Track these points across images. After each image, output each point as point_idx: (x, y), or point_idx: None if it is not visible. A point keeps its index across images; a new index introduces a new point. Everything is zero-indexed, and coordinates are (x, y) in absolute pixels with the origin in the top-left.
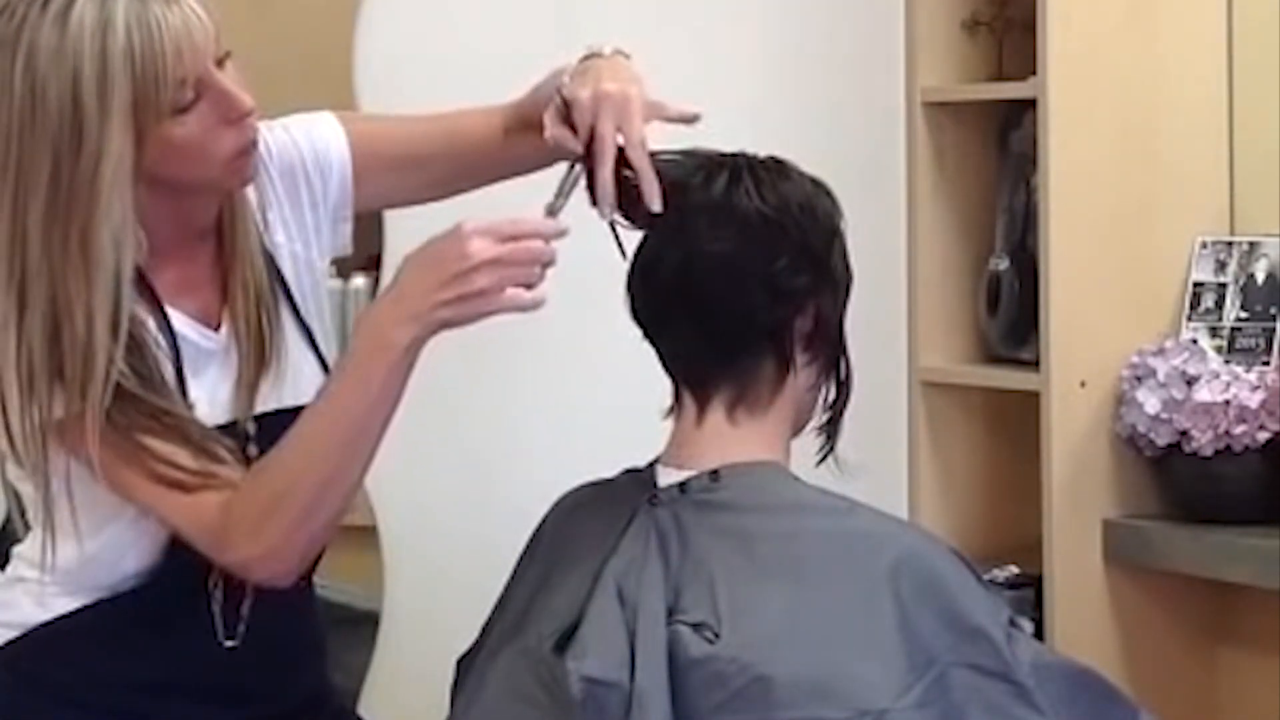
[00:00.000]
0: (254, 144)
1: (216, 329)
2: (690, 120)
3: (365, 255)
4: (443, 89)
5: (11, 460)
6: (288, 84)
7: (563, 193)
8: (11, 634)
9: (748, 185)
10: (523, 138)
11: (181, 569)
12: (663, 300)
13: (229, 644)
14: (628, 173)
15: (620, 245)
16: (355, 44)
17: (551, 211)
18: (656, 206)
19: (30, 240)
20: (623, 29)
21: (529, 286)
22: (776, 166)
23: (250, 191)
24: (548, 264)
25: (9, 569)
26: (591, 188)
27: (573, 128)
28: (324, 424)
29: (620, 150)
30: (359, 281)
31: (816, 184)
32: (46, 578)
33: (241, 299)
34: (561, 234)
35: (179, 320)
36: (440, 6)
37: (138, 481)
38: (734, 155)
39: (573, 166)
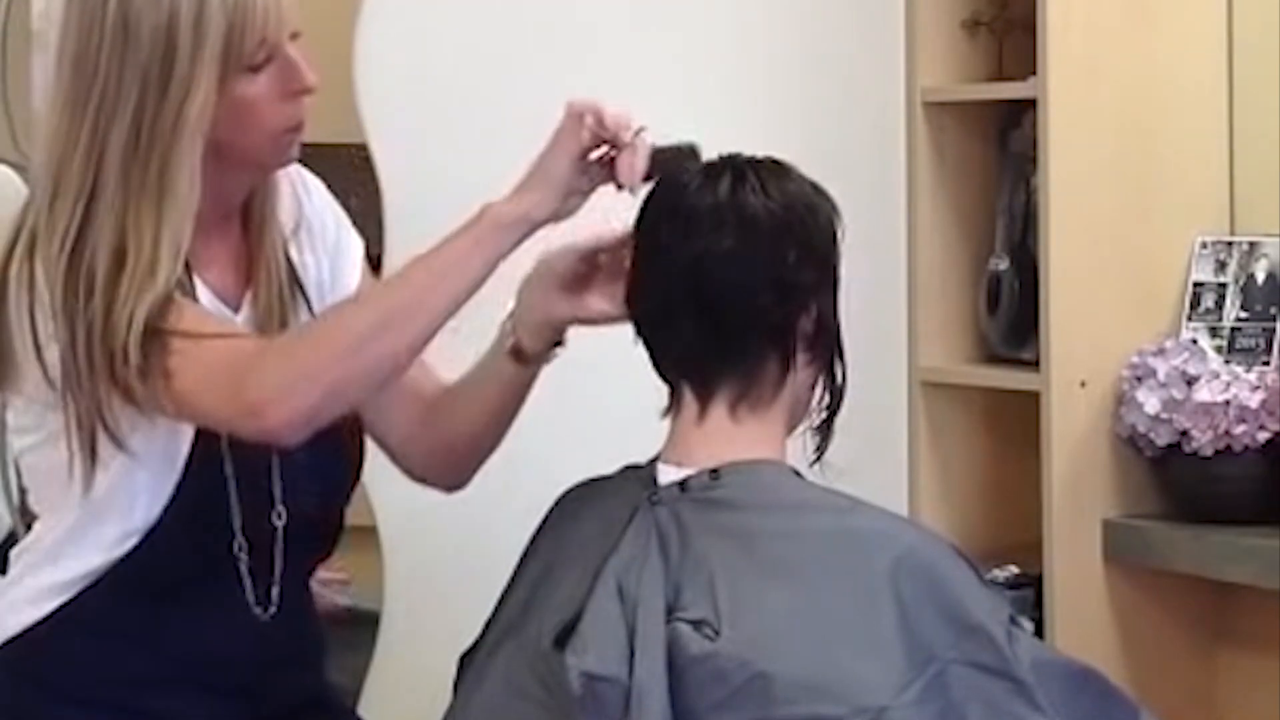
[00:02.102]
0: (302, 125)
1: (235, 311)
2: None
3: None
4: (442, 89)
5: (44, 386)
6: None
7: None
8: (10, 634)
9: (753, 184)
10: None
11: (187, 531)
12: (670, 298)
13: (264, 616)
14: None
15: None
16: (355, 44)
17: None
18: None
19: (107, 165)
20: (622, 30)
21: None
22: (776, 167)
23: (301, 206)
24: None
25: (10, 572)
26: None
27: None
28: (397, 281)
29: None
30: None
31: (816, 187)
32: (39, 577)
33: (264, 283)
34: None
35: (204, 294)
36: (440, 7)
37: (171, 343)
38: (732, 156)
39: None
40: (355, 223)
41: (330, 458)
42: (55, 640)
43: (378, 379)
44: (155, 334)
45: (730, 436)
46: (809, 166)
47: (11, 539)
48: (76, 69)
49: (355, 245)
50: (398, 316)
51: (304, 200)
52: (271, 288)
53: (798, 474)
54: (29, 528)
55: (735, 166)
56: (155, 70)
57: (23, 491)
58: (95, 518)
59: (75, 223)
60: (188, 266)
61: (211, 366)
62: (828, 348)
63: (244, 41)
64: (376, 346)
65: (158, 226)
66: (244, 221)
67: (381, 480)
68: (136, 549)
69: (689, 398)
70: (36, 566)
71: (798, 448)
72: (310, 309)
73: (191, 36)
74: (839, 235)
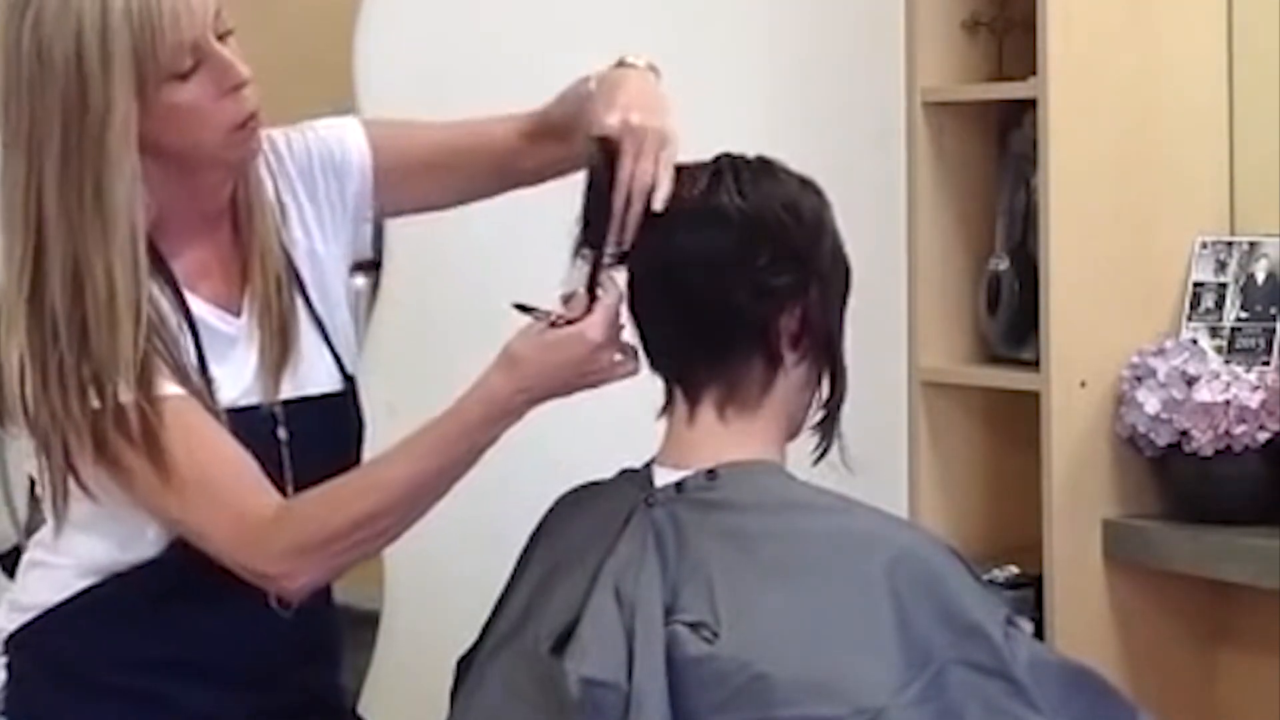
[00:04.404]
0: (253, 116)
1: (237, 315)
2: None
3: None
4: (442, 89)
5: (24, 432)
6: (288, 84)
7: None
8: (28, 617)
9: (729, 184)
10: (545, 145)
11: None
12: (649, 299)
13: (279, 610)
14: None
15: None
16: (355, 44)
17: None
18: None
19: (46, 196)
20: (622, 30)
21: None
22: (762, 166)
23: (268, 186)
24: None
25: (27, 555)
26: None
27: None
28: (418, 473)
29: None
30: (359, 282)
31: (804, 182)
32: (62, 558)
33: (260, 282)
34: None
35: (197, 305)
36: (440, 6)
37: (170, 473)
38: (718, 157)
39: (581, 250)
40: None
41: (342, 468)
42: (75, 624)
43: (381, 549)
44: (151, 431)
45: (721, 438)
46: (809, 166)
47: (15, 551)
48: (5, 106)
49: (342, 136)
50: (410, 498)
51: (286, 162)
52: (268, 285)
53: (790, 476)
54: (30, 533)
55: (717, 167)
56: (73, 94)
57: (33, 494)
58: (118, 527)
59: (29, 260)
60: (177, 286)
61: (225, 516)
62: (820, 345)
63: (157, 53)
64: (386, 527)
65: (106, 249)
66: (234, 222)
67: None
68: (158, 553)
69: (679, 399)
70: (59, 552)
71: (801, 448)
72: (306, 296)
73: (99, 56)
74: (828, 230)
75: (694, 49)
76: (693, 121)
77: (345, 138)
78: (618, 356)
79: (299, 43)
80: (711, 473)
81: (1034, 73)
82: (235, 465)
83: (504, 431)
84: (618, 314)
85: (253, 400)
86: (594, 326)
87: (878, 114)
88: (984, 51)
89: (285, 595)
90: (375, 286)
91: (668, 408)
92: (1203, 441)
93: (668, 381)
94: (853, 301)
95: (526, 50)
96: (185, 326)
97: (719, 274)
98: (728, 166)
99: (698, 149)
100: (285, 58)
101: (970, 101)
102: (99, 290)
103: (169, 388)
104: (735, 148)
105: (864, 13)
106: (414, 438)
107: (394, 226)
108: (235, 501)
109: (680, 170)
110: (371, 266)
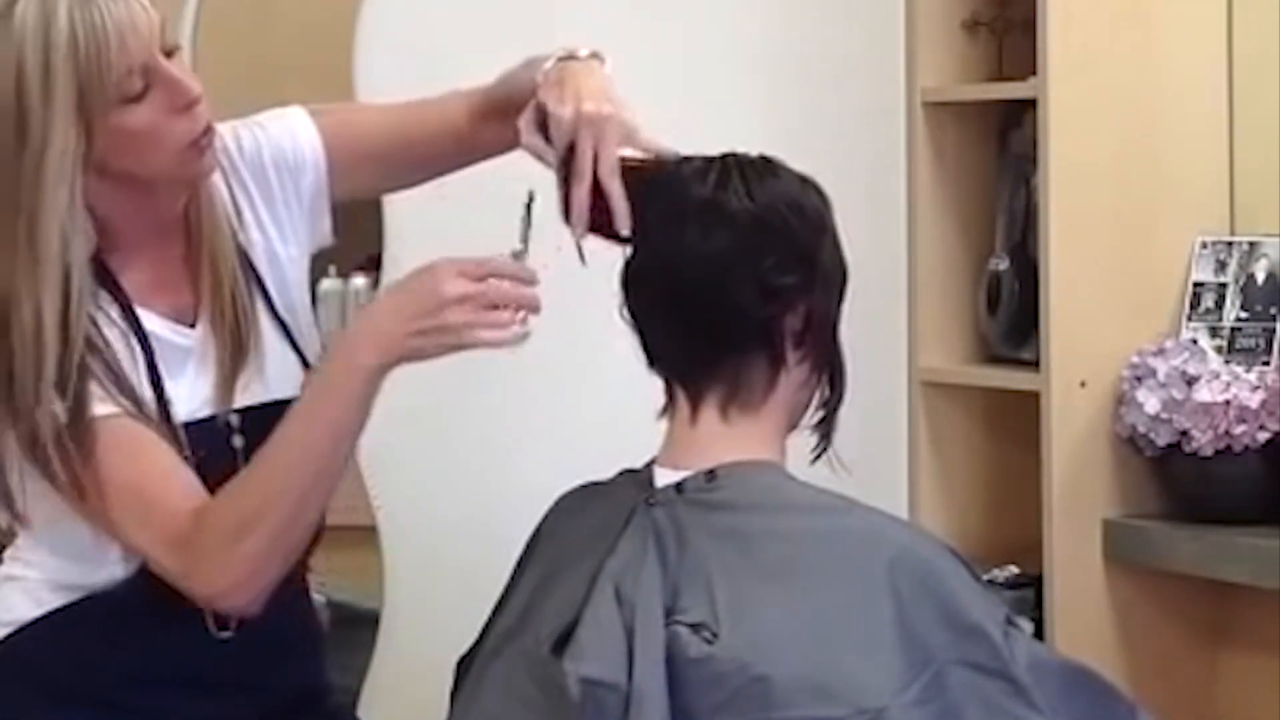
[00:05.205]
0: (206, 132)
1: (192, 326)
2: (662, 165)
3: (365, 255)
4: (443, 89)
5: None
6: (288, 84)
7: (524, 238)
8: (5, 631)
9: (736, 185)
10: (493, 124)
11: None
12: (654, 300)
13: (222, 635)
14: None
15: (581, 254)
16: (355, 44)
17: (515, 256)
18: (625, 230)
19: None
20: (622, 30)
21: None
22: (765, 165)
23: (222, 189)
24: (530, 308)
25: (2, 570)
26: (566, 205)
27: (547, 137)
28: (291, 448)
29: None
30: (359, 281)
31: (805, 181)
32: (33, 573)
33: (213, 294)
34: (537, 279)
35: (151, 320)
36: (440, 7)
37: (103, 490)
38: (722, 155)
39: (529, 209)
40: (355, 223)
41: None
42: (52, 637)
43: (303, 540)
44: (87, 448)
45: (723, 438)
46: (810, 167)
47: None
48: None
49: (292, 128)
50: (315, 489)
51: (237, 162)
52: (223, 293)
53: (790, 476)
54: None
55: (723, 166)
56: (10, 128)
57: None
58: (80, 550)
59: None
60: (129, 304)
61: (154, 532)
62: (822, 345)
63: (104, 79)
64: (292, 511)
65: (36, 286)
66: (187, 231)
67: (381, 479)
68: (128, 573)
69: (681, 399)
70: (32, 568)
71: (797, 446)
72: (268, 298)
73: (40, 92)
74: (830, 228)
75: (694, 48)
76: (693, 121)
77: (296, 132)
78: (515, 321)
79: (299, 43)
80: (711, 473)
81: (1034, 73)
82: (164, 480)
83: (374, 383)
84: (493, 281)
85: (211, 411)
86: (448, 279)
87: (878, 114)
88: (984, 51)
89: (239, 610)
90: (375, 286)
91: (669, 408)
92: (1203, 441)
93: (669, 382)
94: (853, 301)
95: (527, 51)
96: (137, 344)
97: (728, 276)
98: (733, 166)
99: (698, 150)
100: (285, 58)
101: (970, 101)
102: (25, 328)
103: (100, 408)
104: (735, 148)
105: (864, 13)
106: (293, 408)
107: (393, 222)
108: (161, 515)
109: (685, 167)
110: (372, 266)
